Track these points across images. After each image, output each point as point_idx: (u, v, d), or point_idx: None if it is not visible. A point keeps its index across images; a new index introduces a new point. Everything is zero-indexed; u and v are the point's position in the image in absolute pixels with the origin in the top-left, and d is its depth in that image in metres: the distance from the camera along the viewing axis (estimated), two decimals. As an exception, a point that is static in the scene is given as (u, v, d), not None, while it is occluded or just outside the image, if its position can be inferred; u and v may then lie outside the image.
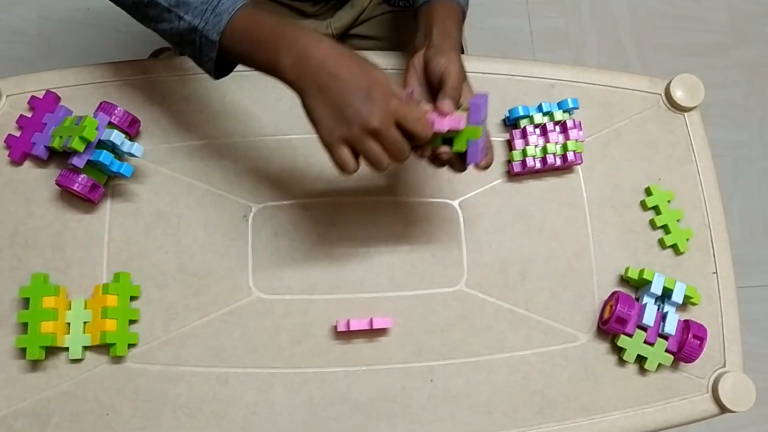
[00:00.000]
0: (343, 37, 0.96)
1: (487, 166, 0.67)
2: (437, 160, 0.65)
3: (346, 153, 0.60)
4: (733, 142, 1.60)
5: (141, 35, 1.48)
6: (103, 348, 0.70)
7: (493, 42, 1.60)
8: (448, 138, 0.64)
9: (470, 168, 0.66)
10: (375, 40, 0.97)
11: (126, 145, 0.70)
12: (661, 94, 0.86)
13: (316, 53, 0.59)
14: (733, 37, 1.67)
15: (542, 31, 1.61)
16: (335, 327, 0.73)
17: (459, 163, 0.65)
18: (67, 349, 0.69)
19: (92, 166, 0.71)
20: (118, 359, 0.70)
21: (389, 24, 0.96)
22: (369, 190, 0.79)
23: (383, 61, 0.81)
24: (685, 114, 0.86)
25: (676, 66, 0.83)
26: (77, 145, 0.67)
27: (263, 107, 0.79)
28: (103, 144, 0.70)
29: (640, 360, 0.75)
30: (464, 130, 0.63)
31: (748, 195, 1.57)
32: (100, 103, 0.73)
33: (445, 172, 0.79)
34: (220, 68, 0.66)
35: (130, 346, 0.70)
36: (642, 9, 1.65)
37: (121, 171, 0.71)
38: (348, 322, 0.72)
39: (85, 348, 0.70)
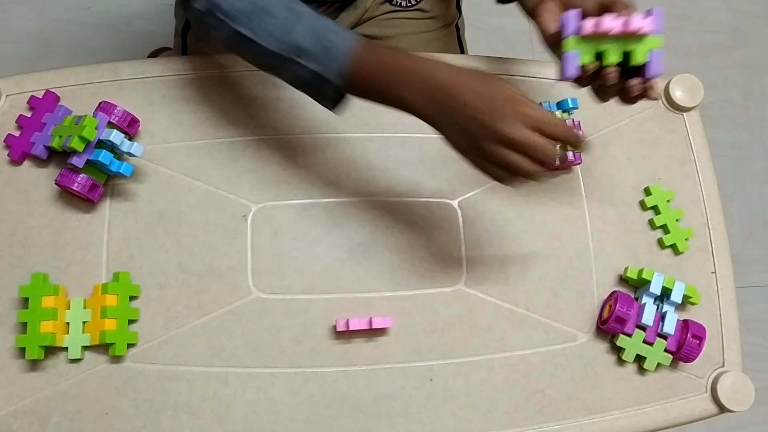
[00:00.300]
0: None
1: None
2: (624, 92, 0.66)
3: (496, 170, 0.61)
4: (732, 143, 1.60)
5: (141, 35, 1.49)
6: (103, 347, 0.70)
7: (493, 42, 1.60)
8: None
9: (611, 103, 0.67)
10: (377, 40, 0.97)
11: (126, 145, 0.70)
12: (660, 94, 0.86)
13: (438, 80, 0.61)
14: (732, 38, 1.67)
15: (542, 31, 1.61)
16: (335, 327, 0.73)
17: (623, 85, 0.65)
18: (66, 348, 0.69)
19: (92, 165, 0.71)
20: (117, 359, 0.70)
21: (391, 24, 0.96)
22: (369, 190, 0.79)
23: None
24: (685, 114, 0.86)
25: (676, 66, 0.83)
26: (77, 144, 0.68)
27: (263, 107, 0.79)
28: (102, 144, 0.70)
29: (640, 359, 0.75)
30: (646, 40, 0.62)
31: (748, 195, 1.57)
32: (100, 103, 0.73)
33: (444, 171, 0.80)
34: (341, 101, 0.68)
35: (130, 345, 0.70)
36: (642, 7, 1.65)
37: (120, 171, 0.71)
38: (347, 321, 0.72)
39: (85, 348, 0.70)
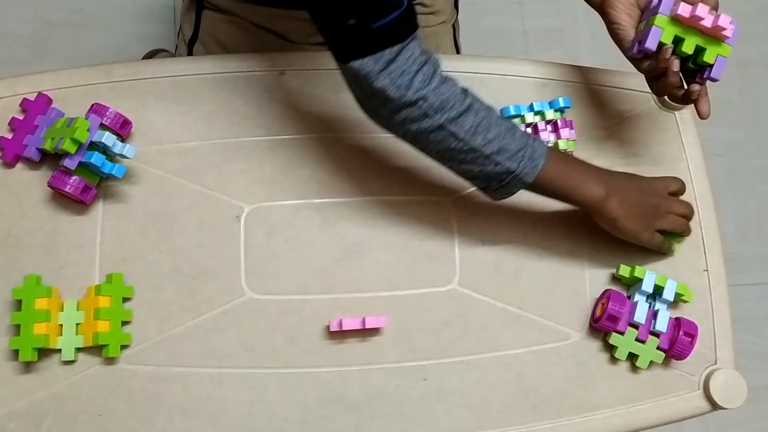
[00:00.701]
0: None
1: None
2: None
3: (658, 237, 0.76)
4: (727, 141, 1.60)
5: (134, 37, 1.49)
6: (96, 349, 0.70)
7: (487, 42, 1.60)
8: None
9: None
10: None
11: (118, 147, 0.70)
12: (652, 92, 0.86)
13: (617, 182, 0.73)
14: (726, 36, 1.67)
15: (537, 31, 1.62)
16: (329, 327, 0.73)
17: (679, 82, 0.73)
18: (60, 350, 0.69)
19: (84, 167, 0.71)
20: (111, 360, 0.70)
21: None
22: (362, 190, 0.79)
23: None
24: (677, 113, 0.86)
25: None
26: (69, 146, 0.68)
27: (256, 107, 0.79)
28: (95, 145, 0.70)
29: (632, 357, 0.75)
30: (719, 44, 0.68)
31: (742, 193, 1.57)
32: (92, 105, 0.74)
33: (438, 170, 0.79)
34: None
35: (123, 347, 0.71)
36: (636, 8, 1.65)
37: (113, 172, 0.71)
38: (341, 321, 0.72)
39: (78, 349, 0.70)
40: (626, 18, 0.73)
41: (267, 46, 0.92)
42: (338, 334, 0.74)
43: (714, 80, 0.70)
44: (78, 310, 0.70)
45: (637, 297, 0.76)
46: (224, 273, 0.74)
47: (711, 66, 0.70)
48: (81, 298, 0.71)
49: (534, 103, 0.81)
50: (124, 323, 0.71)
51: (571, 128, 0.80)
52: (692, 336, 0.74)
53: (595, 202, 0.71)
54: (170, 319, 0.72)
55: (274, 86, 0.81)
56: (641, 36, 0.70)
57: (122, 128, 0.74)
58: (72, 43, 1.47)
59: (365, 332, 0.74)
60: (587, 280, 0.79)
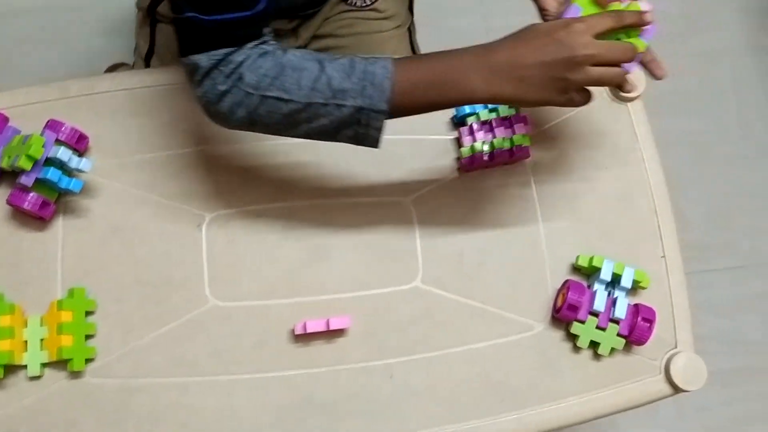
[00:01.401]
0: (309, 42, 0.98)
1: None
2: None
3: (577, 97, 0.64)
4: (690, 130, 1.62)
5: (98, 52, 1.48)
6: (62, 364, 0.70)
7: (451, 42, 1.61)
8: None
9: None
10: (331, 38, 0.98)
11: (74, 161, 0.71)
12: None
13: (493, 56, 0.62)
14: (686, 27, 1.70)
15: (498, 30, 1.62)
16: (294, 330, 0.74)
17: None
18: (26, 366, 0.70)
19: (42, 183, 0.71)
20: (77, 374, 0.71)
21: (346, 24, 0.98)
22: (323, 193, 0.80)
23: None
24: (629, 104, 0.88)
25: None
26: (24, 163, 0.68)
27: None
28: (51, 161, 0.71)
29: (594, 345, 0.77)
30: (634, 36, 0.66)
31: (708, 181, 1.60)
32: (48, 121, 0.74)
33: (396, 171, 0.81)
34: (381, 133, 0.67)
35: (88, 360, 0.71)
36: (595, 3, 1.68)
37: (70, 187, 0.71)
38: (305, 324, 0.73)
39: (44, 365, 0.70)
40: (554, 5, 0.74)
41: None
42: (304, 337, 0.74)
43: (626, 70, 0.65)
44: (42, 325, 0.71)
45: (596, 286, 0.77)
46: (187, 282, 0.75)
47: None
48: (44, 313, 0.71)
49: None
50: (89, 337, 0.72)
51: (526, 123, 0.82)
52: (650, 321, 0.75)
53: (479, 97, 0.63)
54: (134, 331, 0.73)
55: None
56: (562, 16, 0.70)
57: (78, 143, 0.75)
58: (34, 61, 1.47)
59: (331, 334, 0.75)
60: (548, 271, 0.80)
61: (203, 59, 0.63)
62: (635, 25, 0.65)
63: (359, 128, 0.64)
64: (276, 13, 0.66)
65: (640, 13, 0.65)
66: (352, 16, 0.98)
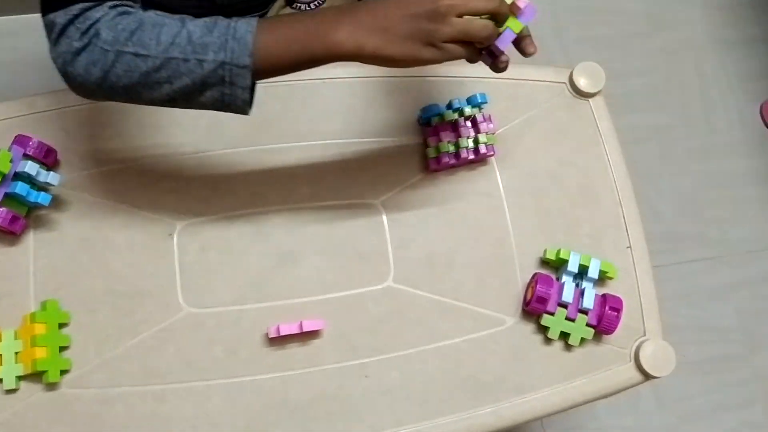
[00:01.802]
0: None
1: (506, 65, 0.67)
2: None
3: (455, 49, 0.61)
4: (657, 126, 1.66)
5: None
6: (38, 376, 0.71)
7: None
8: None
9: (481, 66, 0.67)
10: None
11: (42, 175, 0.71)
12: (565, 83, 0.90)
13: (357, 7, 0.60)
14: (649, 25, 1.74)
15: (467, 34, 1.66)
16: (267, 334, 0.75)
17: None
18: (1, 380, 0.70)
19: (11, 198, 0.71)
20: (52, 386, 0.71)
21: None
22: (293, 198, 0.81)
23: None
24: (590, 99, 0.90)
25: (598, 56, 0.87)
26: (-8, 178, 0.68)
27: (181, 126, 0.81)
28: (20, 176, 0.71)
29: (565, 336, 0.78)
30: (510, 19, 0.63)
31: (675, 174, 1.63)
32: (15, 137, 0.74)
33: (365, 173, 0.82)
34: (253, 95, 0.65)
35: (64, 372, 0.71)
36: (560, 5, 1.71)
37: (39, 201, 0.72)
38: (278, 327, 0.74)
39: (20, 377, 0.70)
40: None
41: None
42: (278, 341, 0.75)
43: (499, 51, 0.64)
44: (16, 339, 0.71)
45: (564, 278, 0.79)
46: (160, 291, 0.75)
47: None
48: (18, 327, 0.72)
49: (452, 101, 0.83)
50: (63, 348, 0.72)
51: (491, 122, 0.83)
52: (617, 310, 0.77)
53: (344, 50, 0.61)
54: (109, 341, 0.73)
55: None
56: None
57: (47, 157, 0.75)
58: (4, 81, 1.47)
59: (305, 336, 0.76)
60: (517, 266, 0.82)
61: (60, 15, 0.61)
62: None
63: (224, 88, 0.61)
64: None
65: None
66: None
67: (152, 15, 0.63)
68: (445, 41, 0.60)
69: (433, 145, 0.82)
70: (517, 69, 0.90)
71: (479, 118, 0.83)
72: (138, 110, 0.80)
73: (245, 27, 0.60)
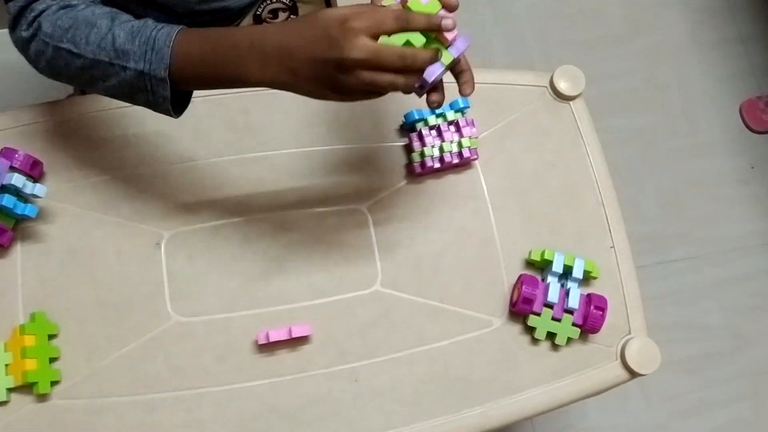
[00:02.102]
0: None
1: (438, 103, 0.66)
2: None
3: (359, 95, 0.60)
4: (639, 127, 1.68)
5: (53, 83, 1.48)
6: (28, 388, 0.71)
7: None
8: None
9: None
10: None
11: (28, 187, 0.72)
12: (546, 86, 0.91)
13: (269, 44, 0.59)
14: (629, 28, 1.76)
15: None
16: (257, 341, 0.75)
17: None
18: (-9, 393, 0.70)
19: (-2, 211, 0.72)
20: (42, 397, 0.71)
21: None
22: (279, 205, 0.81)
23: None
24: (571, 102, 0.91)
25: (579, 60, 0.88)
26: (-22, 191, 0.69)
27: (166, 136, 0.81)
28: (6, 188, 0.71)
29: (551, 336, 0.79)
30: (442, 47, 0.61)
31: (659, 175, 1.65)
32: (1, 149, 0.74)
33: (350, 178, 0.83)
34: (178, 103, 0.66)
35: (54, 383, 0.71)
36: (540, 10, 1.73)
37: (25, 213, 0.72)
38: (267, 334, 0.74)
39: (10, 390, 0.70)
40: None
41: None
42: (267, 347, 0.76)
43: (426, 83, 0.61)
44: (5, 351, 0.71)
45: (549, 278, 0.80)
46: (148, 300, 0.75)
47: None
48: (7, 339, 0.72)
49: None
50: (53, 360, 0.72)
51: (473, 126, 0.84)
52: (602, 309, 0.78)
53: (254, 81, 0.61)
54: (98, 351, 0.73)
55: (184, 114, 0.82)
56: None
57: (33, 169, 0.75)
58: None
59: (294, 342, 0.76)
60: (503, 267, 0.83)
61: (12, 5, 0.66)
62: (427, 29, 0.59)
63: (148, 95, 0.63)
64: None
65: (432, 17, 0.59)
66: None
67: (88, 13, 0.65)
68: (352, 90, 0.59)
69: (417, 149, 0.83)
70: (498, 73, 0.92)
71: (462, 122, 0.84)
72: (123, 121, 0.80)
73: (164, 39, 0.62)
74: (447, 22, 0.60)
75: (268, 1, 0.96)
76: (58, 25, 0.65)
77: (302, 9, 0.97)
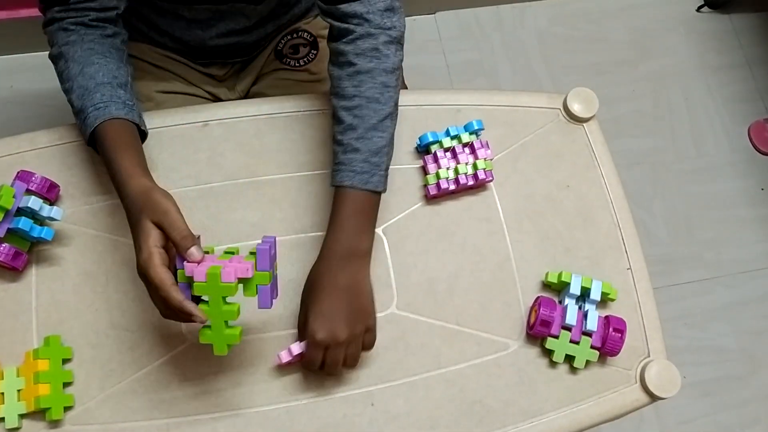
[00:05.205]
0: (245, 97, 1.01)
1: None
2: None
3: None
4: (647, 150, 1.68)
5: (65, 108, 1.49)
6: (41, 413, 0.70)
7: (412, 79, 1.65)
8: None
9: None
10: (266, 97, 1.00)
11: (45, 210, 0.72)
12: (560, 108, 0.91)
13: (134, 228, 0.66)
14: (635, 53, 1.77)
15: (458, 64, 1.68)
16: (277, 360, 0.73)
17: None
18: (3, 419, 0.69)
19: (13, 233, 0.72)
20: (55, 423, 0.70)
21: (280, 83, 0.99)
22: (294, 228, 0.81)
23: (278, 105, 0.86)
24: (584, 124, 0.91)
25: (586, 84, 0.88)
26: (-6, 214, 0.68)
27: (182, 159, 0.81)
28: (23, 211, 0.71)
29: (570, 359, 0.78)
30: (253, 276, 0.64)
31: (669, 197, 1.64)
32: (18, 172, 0.75)
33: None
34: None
35: (67, 408, 0.70)
36: (548, 35, 1.74)
37: (41, 236, 0.72)
38: (283, 356, 0.73)
39: (22, 416, 0.70)
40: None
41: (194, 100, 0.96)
42: (283, 371, 0.75)
43: (266, 307, 0.66)
44: (18, 376, 0.70)
45: (567, 300, 0.79)
46: (163, 323, 0.75)
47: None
48: (20, 364, 0.71)
49: (450, 128, 0.84)
50: (66, 384, 0.71)
51: (488, 148, 0.84)
52: (621, 331, 0.77)
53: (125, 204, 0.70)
54: (112, 376, 0.72)
55: (198, 137, 0.83)
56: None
57: (49, 192, 0.75)
58: (2, 119, 1.48)
59: (310, 365, 0.75)
60: (519, 290, 0.82)
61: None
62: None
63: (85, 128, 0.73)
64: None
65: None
66: (286, 76, 0.99)
67: (70, 50, 0.73)
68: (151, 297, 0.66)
69: (431, 171, 0.83)
70: (512, 96, 0.92)
71: (476, 144, 0.84)
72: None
73: (92, 120, 0.71)
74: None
75: (289, 36, 0.97)
76: (56, 46, 0.75)
77: (322, 44, 0.98)
